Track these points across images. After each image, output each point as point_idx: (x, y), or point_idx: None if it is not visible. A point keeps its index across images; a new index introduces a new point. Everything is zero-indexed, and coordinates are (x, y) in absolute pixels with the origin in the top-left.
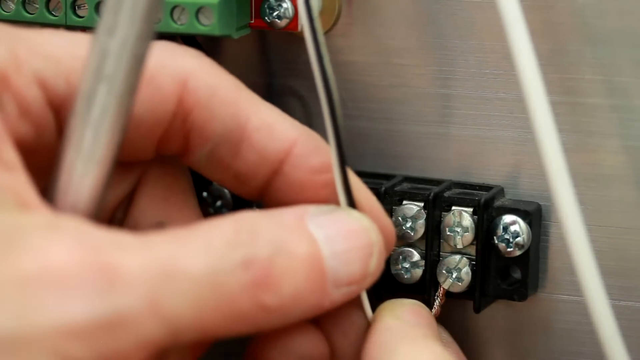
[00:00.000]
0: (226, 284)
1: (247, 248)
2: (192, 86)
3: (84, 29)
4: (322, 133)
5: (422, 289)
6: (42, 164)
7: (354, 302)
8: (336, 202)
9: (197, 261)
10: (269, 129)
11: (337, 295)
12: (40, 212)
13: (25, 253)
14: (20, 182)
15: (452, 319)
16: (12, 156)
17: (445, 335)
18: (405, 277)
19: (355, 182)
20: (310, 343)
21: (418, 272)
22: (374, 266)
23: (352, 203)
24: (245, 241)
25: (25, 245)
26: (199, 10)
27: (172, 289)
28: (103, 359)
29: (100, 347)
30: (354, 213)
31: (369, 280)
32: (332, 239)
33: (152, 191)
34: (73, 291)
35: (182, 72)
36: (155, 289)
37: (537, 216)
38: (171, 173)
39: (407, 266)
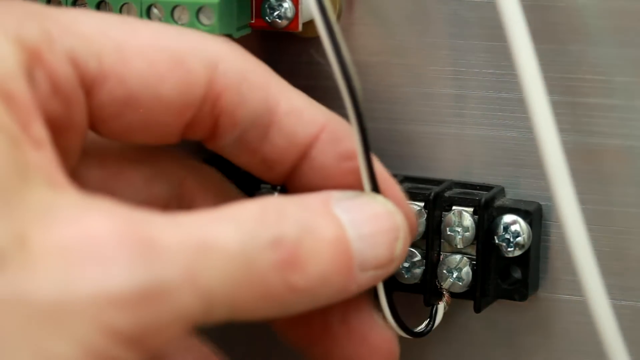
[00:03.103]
0: (257, 262)
1: (276, 228)
2: (222, 70)
3: None
4: None
5: (423, 289)
6: (70, 143)
7: None
8: (360, 190)
9: (230, 237)
10: (298, 113)
11: (364, 279)
12: (70, 191)
13: (62, 224)
14: (49, 160)
15: (453, 318)
16: (42, 133)
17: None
18: (406, 276)
19: (379, 168)
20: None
21: (418, 271)
22: (400, 250)
23: (376, 189)
24: (273, 221)
25: (61, 217)
26: (199, 9)
27: (208, 263)
28: (142, 329)
29: (140, 317)
30: (378, 197)
31: (395, 265)
32: (358, 222)
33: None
34: (113, 260)
35: (213, 57)
36: (192, 262)
37: (537, 216)
38: (215, 183)
39: (407, 266)
